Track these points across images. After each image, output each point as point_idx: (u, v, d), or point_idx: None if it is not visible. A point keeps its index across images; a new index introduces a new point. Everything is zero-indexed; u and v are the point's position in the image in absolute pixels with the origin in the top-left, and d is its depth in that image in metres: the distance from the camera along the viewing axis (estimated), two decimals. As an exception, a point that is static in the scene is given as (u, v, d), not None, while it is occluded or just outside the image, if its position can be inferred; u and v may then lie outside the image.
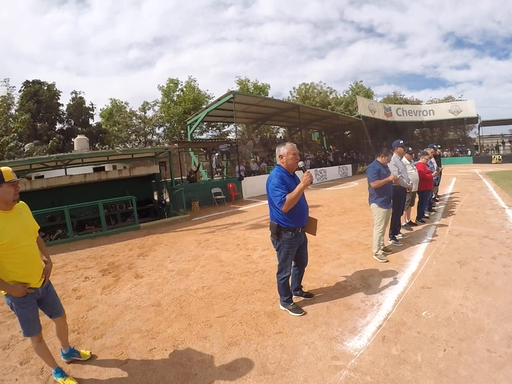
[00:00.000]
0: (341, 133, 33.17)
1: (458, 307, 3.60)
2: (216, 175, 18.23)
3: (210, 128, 36.90)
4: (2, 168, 2.48)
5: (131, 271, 5.56)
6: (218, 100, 17.25)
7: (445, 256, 5.25)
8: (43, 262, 2.80)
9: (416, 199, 7.58)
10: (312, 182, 3.38)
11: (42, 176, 13.05)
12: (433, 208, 8.93)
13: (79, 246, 7.60)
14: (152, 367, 2.90)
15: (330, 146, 31.41)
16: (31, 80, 26.62)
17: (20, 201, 2.68)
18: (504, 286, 4.06)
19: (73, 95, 28.78)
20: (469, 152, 33.62)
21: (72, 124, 28.76)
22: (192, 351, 3.10)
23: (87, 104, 29.55)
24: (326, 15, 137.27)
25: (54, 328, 2.97)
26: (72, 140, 17.84)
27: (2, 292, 2.50)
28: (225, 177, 17.74)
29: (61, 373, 2.78)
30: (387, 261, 5.16)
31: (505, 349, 2.83)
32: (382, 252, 5.38)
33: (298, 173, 3.44)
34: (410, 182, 6.36)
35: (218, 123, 33.23)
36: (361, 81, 46.87)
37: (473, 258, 5.05)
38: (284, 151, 3.48)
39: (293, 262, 3.79)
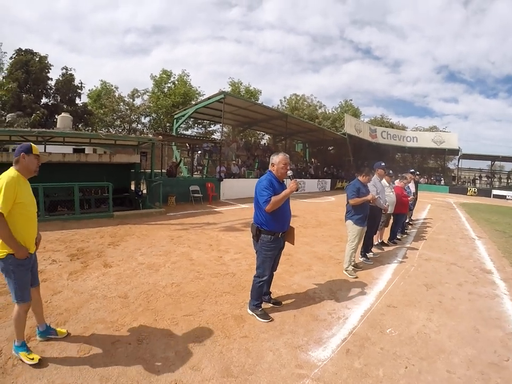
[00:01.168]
0: (324, 148, 33.64)
1: (421, 327, 3.70)
2: (196, 173, 18.09)
3: (196, 125, 36.77)
4: (32, 143, 2.79)
5: (100, 259, 5.43)
6: (209, 98, 17.19)
7: (412, 278, 5.37)
8: None
9: (391, 221, 7.73)
10: (297, 190, 3.53)
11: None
12: (406, 231, 9.13)
13: (49, 227, 7.36)
14: (115, 360, 2.81)
15: (312, 159, 31.77)
16: (23, 49, 25.90)
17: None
18: (467, 311, 4.21)
19: (64, 70, 28.21)
20: (442, 181, 34.77)
21: (58, 100, 28.17)
22: (156, 347, 3.04)
23: (76, 82, 28.98)
24: (327, 31, 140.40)
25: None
26: (56, 116, 17.41)
27: (2, 254, 2.60)
28: (205, 176, 17.63)
29: (26, 347, 2.76)
30: (356, 277, 5.25)
31: (464, 371, 2.92)
32: (353, 268, 5.46)
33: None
34: (387, 203, 6.50)
35: (205, 121, 33.16)
36: (351, 100, 47.73)
37: (439, 283, 5.20)
38: (276, 160, 3.66)
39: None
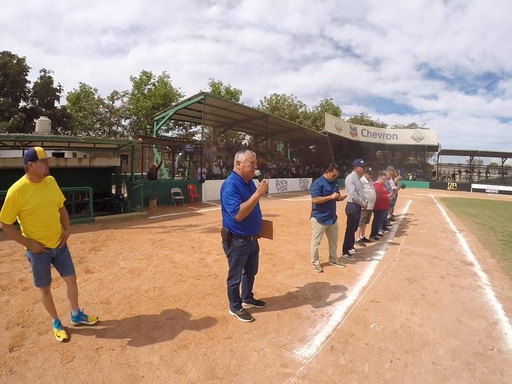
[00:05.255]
0: (305, 147, 33.73)
1: (405, 321, 3.73)
2: (177, 175, 17.93)
3: (177, 126, 36.53)
4: (36, 148, 3.04)
5: (81, 265, 5.29)
6: (189, 99, 17.06)
7: (395, 273, 5.42)
8: (63, 229, 3.34)
9: (372, 217, 7.80)
10: (267, 192, 3.31)
11: (-2, 155, 12.33)
12: (387, 227, 9.24)
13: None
14: (99, 367, 2.74)
15: (294, 159, 31.95)
16: (1, 51, 25.26)
17: (49, 176, 3.23)
18: (450, 303, 4.27)
19: (42, 73, 27.64)
20: (410, 176, 35.74)
21: (37, 103, 27.60)
22: (140, 352, 2.98)
23: (55, 85, 28.46)
24: (307, 29, 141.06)
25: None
26: (35, 120, 17.04)
27: (25, 247, 3.07)
28: (186, 178, 17.48)
29: (58, 324, 3.26)
30: (322, 271, 5.35)
31: (449, 362, 2.95)
32: (318, 262, 5.54)
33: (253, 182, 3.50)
34: (366, 200, 6.54)
35: (185, 123, 32.96)
36: (331, 99, 48.16)
37: (422, 277, 5.27)
38: (242, 158, 3.47)
39: (243, 270, 3.77)
